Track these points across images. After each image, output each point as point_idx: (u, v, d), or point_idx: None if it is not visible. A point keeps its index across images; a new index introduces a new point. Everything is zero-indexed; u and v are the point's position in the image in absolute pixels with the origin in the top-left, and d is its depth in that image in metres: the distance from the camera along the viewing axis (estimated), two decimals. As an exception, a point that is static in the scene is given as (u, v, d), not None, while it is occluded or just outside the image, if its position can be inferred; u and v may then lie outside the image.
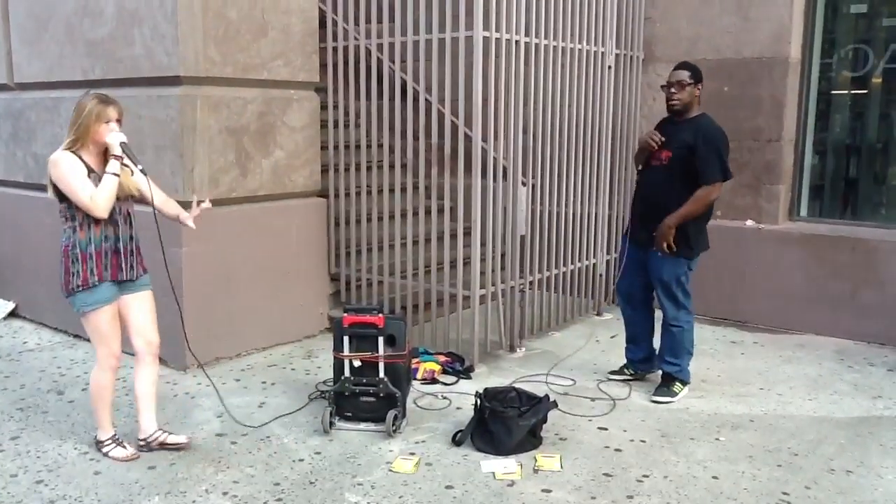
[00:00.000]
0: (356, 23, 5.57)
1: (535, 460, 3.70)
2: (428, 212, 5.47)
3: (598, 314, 6.25)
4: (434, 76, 5.10)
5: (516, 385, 4.28)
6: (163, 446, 3.81)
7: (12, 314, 6.25)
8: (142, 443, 3.82)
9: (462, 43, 4.84)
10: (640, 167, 4.65)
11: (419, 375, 4.77)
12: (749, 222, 6.13)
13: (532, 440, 3.84)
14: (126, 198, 3.63)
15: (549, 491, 3.43)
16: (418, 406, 4.40)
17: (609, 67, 5.94)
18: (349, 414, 4.10)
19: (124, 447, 3.76)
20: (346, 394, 4.08)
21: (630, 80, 6.27)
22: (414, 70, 5.31)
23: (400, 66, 5.43)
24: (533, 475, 3.58)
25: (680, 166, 4.34)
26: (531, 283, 5.51)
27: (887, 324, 5.54)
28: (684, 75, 4.36)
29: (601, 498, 3.38)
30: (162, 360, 5.03)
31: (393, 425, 3.96)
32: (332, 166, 5.81)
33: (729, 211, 6.20)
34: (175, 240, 4.84)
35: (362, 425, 4.07)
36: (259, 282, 5.31)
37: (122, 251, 3.63)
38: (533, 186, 5.41)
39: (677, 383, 4.55)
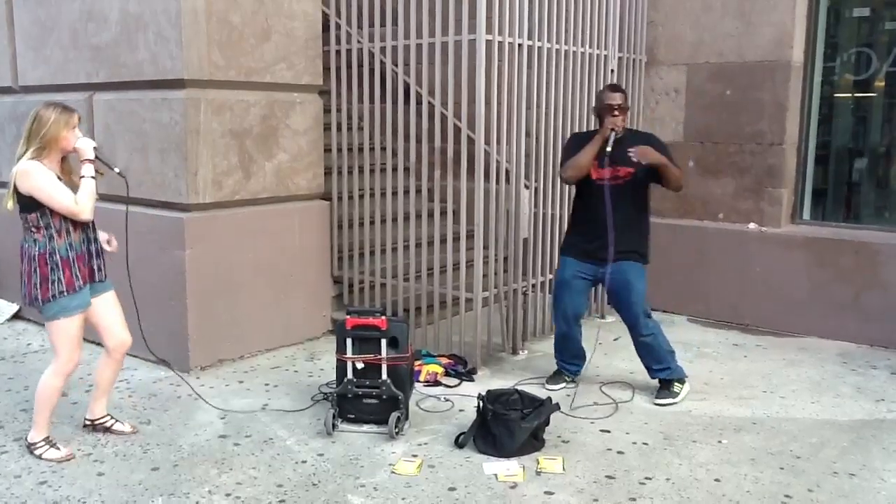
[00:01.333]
0: (359, 26, 5.59)
1: (538, 462, 3.70)
2: (431, 215, 5.49)
3: (602, 317, 6.26)
4: (437, 79, 5.11)
5: (519, 387, 4.28)
6: (107, 431, 4.03)
7: (16, 316, 6.27)
8: (88, 422, 4.06)
9: (465, 46, 4.86)
10: (573, 182, 4.54)
11: (422, 378, 4.78)
12: (752, 225, 6.13)
13: (534, 442, 3.84)
14: None
15: (551, 493, 3.44)
16: (421, 408, 4.41)
17: (612, 71, 5.95)
18: (352, 416, 4.11)
19: (58, 448, 3.79)
20: (349, 396, 4.09)
21: (633, 84, 6.28)
22: (417, 73, 5.33)
23: (403, 69, 5.45)
24: (535, 477, 3.58)
25: (644, 179, 4.42)
26: (534, 285, 5.52)
27: (890, 327, 5.53)
28: (622, 98, 4.41)
29: (603, 500, 3.38)
30: (164, 362, 5.08)
31: (395, 427, 3.97)
32: (336, 169, 5.83)
33: (731, 214, 6.21)
34: (178, 242, 4.87)
35: (365, 427, 4.08)
36: (262, 284, 5.33)
37: (93, 254, 3.73)
38: (536, 189, 5.42)
39: (675, 383, 4.57)
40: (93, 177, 3.61)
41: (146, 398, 4.56)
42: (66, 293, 3.60)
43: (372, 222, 5.70)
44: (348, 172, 5.79)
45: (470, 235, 5.10)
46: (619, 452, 3.85)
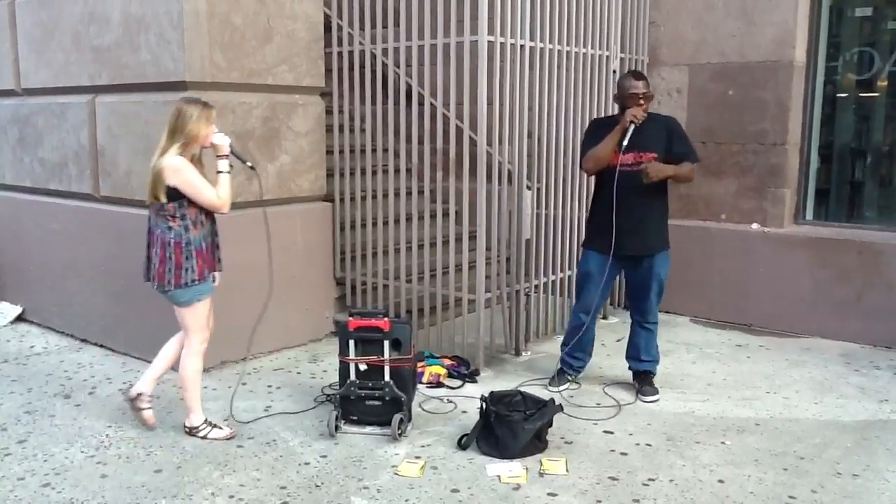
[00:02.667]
0: (361, 28, 5.59)
1: (541, 464, 3.70)
2: (433, 216, 5.48)
3: (604, 318, 6.24)
4: (439, 81, 5.11)
5: (522, 389, 4.28)
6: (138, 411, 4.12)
7: (19, 318, 6.27)
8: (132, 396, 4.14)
9: (467, 47, 4.86)
10: (594, 173, 4.52)
11: (425, 379, 4.78)
12: (754, 226, 6.12)
13: (537, 444, 3.84)
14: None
15: (554, 495, 3.43)
16: (424, 410, 4.40)
17: (614, 71, 5.95)
18: (355, 417, 4.11)
19: (220, 428, 4.03)
20: (352, 397, 4.09)
21: (635, 84, 6.26)
22: (419, 74, 5.33)
23: (405, 70, 5.45)
24: (538, 479, 3.58)
25: (666, 162, 4.34)
26: (536, 286, 5.51)
27: (893, 327, 5.52)
28: (645, 86, 4.36)
29: (607, 501, 3.38)
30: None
31: (398, 429, 3.96)
32: (338, 170, 5.83)
33: (734, 214, 6.20)
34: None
35: (368, 429, 4.08)
36: (265, 286, 5.31)
37: (217, 245, 4.00)
38: (538, 190, 5.42)
39: (653, 379, 4.63)
40: (228, 171, 3.83)
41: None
42: (197, 281, 3.82)
43: (374, 224, 5.70)
44: (350, 174, 5.79)
45: (472, 236, 5.09)
46: (623, 453, 3.85)
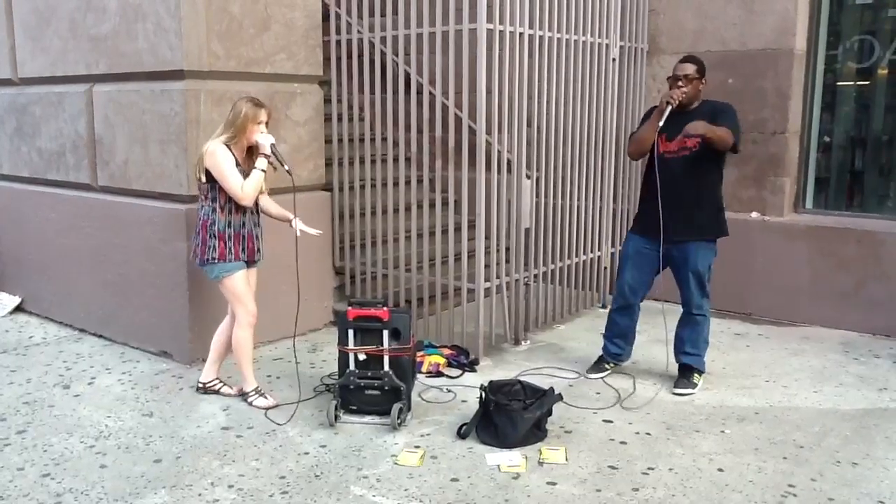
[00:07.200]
0: (360, 16, 5.56)
1: (540, 453, 3.70)
2: (432, 205, 5.47)
3: (603, 307, 6.24)
4: (438, 69, 5.09)
5: (521, 378, 4.28)
6: (216, 393, 4.44)
7: (18, 308, 6.26)
8: (200, 385, 4.48)
9: (466, 35, 4.83)
10: (637, 157, 4.54)
11: (424, 369, 4.78)
12: (754, 214, 6.12)
13: (537, 433, 3.84)
14: (260, 192, 4.18)
15: (554, 483, 3.44)
16: (423, 399, 4.40)
17: (613, 60, 5.93)
18: (354, 407, 4.11)
19: (265, 397, 4.29)
20: (351, 387, 4.09)
21: (634, 73, 6.25)
22: (418, 63, 5.31)
23: (404, 59, 5.43)
24: (538, 468, 3.58)
25: (710, 150, 4.26)
26: (536, 276, 5.51)
27: (893, 316, 5.52)
28: (692, 69, 4.33)
29: (606, 490, 3.38)
30: (167, 354, 5.08)
31: (398, 418, 3.97)
32: (337, 160, 5.81)
33: (734, 203, 6.18)
34: (180, 234, 4.86)
35: (367, 418, 4.08)
36: (263, 275, 5.30)
37: (249, 236, 4.21)
38: (537, 179, 5.40)
39: (695, 374, 4.53)
40: (263, 170, 4.06)
41: (148, 390, 4.56)
42: (216, 261, 4.09)
43: (373, 213, 5.69)
44: (349, 163, 5.77)
45: (471, 226, 5.08)
46: (622, 442, 3.85)
